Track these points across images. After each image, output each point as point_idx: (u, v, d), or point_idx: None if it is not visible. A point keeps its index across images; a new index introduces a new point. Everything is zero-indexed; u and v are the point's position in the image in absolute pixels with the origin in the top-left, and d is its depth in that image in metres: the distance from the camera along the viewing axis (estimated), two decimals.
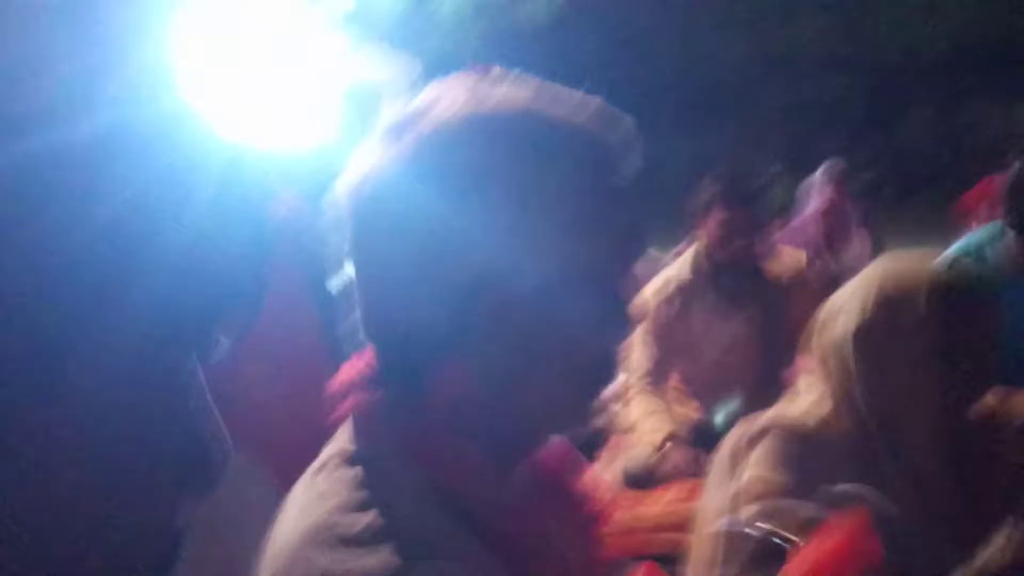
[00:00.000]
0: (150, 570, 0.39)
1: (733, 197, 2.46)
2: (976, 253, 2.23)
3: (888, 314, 1.50)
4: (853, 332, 1.50)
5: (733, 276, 2.47)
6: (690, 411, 2.44)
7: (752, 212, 2.48)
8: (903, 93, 13.00)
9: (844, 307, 1.53)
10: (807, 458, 1.46)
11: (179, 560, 0.41)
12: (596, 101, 0.73)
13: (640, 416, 2.36)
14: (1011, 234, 2.14)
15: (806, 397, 1.58)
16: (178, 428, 0.39)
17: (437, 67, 0.76)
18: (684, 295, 2.48)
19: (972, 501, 1.50)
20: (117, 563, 0.37)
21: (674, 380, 2.51)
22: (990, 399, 1.75)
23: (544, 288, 0.68)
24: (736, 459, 1.49)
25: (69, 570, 0.36)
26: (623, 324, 0.75)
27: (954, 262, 2.08)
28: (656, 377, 2.45)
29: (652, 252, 3.29)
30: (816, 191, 4.44)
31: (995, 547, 1.31)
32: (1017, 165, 2.22)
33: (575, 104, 0.72)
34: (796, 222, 4.40)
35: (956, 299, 1.50)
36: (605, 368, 0.74)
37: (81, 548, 0.36)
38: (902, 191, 6.94)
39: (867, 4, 12.40)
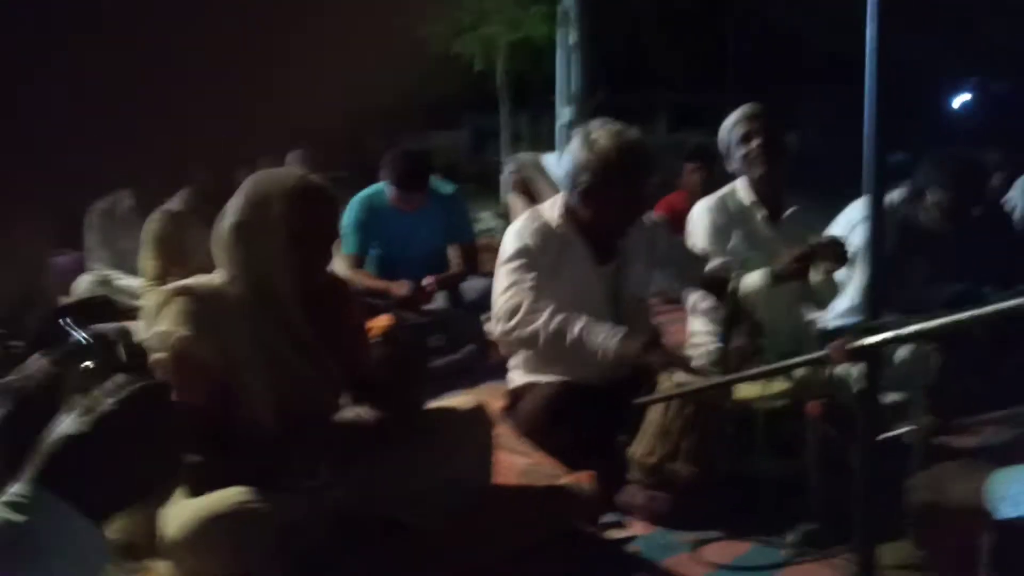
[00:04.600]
0: None
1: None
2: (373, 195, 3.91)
3: (253, 212, 1.81)
4: (231, 226, 1.84)
5: (209, 211, 3.64)
6: None
7: (222, 177, 3.68)
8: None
9: (229, 210, 1.87)
10: (206, 314, 1.76)
11: None
12: None
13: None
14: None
15: (213, 273, 1.86)
16: None
17: None
18: (177, 223, 3.62)
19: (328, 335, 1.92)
20: None
21: (173, 278, 3.38)
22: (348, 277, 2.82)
23: None
24: (149, 316, 1.83)
25: None
26: None
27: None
28: (163, 277, 3.57)
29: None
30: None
31: None
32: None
33: None
34: None
35: (301, 201, 1.80)
36: None
37: None
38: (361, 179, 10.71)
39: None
